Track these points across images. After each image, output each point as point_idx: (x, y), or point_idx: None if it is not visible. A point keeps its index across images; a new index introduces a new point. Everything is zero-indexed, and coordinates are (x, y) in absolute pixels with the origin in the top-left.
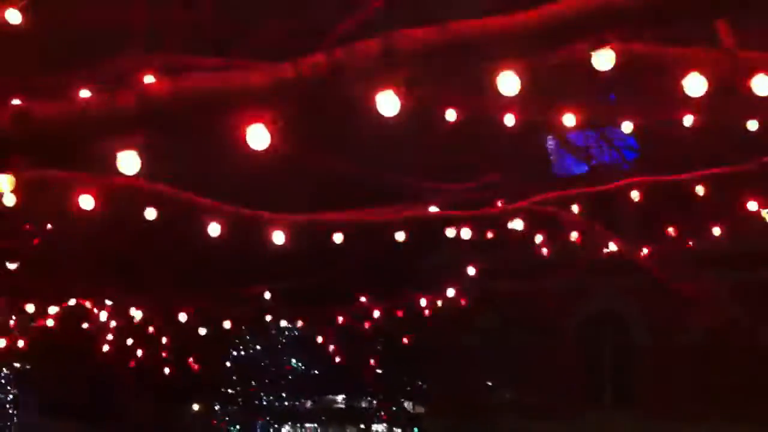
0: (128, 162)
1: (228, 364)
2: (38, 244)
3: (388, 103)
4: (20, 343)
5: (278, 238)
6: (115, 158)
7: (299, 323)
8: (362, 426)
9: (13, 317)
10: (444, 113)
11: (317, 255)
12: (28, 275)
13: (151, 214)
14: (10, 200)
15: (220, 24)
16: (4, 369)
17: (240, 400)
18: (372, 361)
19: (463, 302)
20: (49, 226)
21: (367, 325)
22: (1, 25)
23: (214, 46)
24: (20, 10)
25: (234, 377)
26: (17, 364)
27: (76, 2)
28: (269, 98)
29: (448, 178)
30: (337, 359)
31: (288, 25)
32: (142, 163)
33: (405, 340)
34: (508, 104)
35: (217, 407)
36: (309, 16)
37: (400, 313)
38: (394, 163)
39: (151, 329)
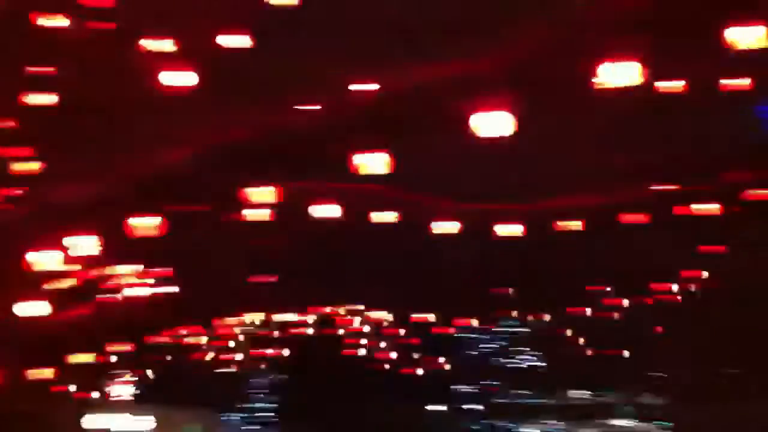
0: (378, 163)
1: (465, 362)
2: (291, 254)
3: None
4: (285, 352)
5: (515, 230)
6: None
7: (537, 317)
8: (605, 421)
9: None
10: None
11: (552, 245)
12: (286, 286)
13: (389, 217)
14: (266, 214)
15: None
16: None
17: (479, 398)
18: (615, 353)
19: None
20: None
21: (611, 315)
22: None
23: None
24: None
25: (472, 375)
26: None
27: None
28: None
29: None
30: (581, 353)
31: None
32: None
33: (657, 329)
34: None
35: (457, 406)
36: None
37: (649, 301)
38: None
39: (400, 331)
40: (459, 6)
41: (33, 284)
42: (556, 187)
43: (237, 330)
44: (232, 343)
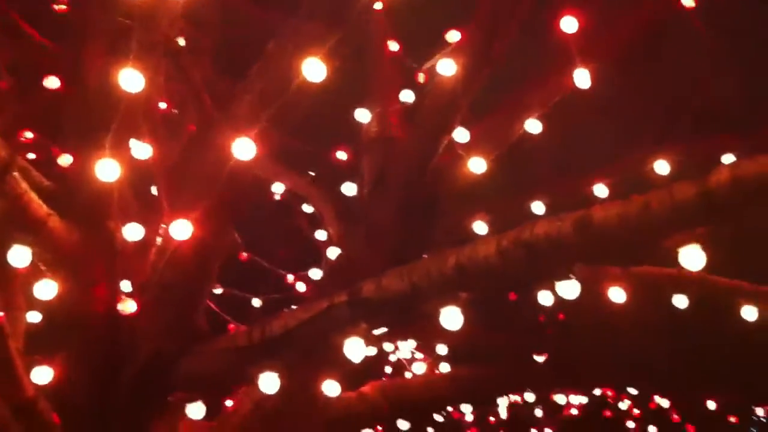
0: (693, 258)
1: None
2: (558, 335)
3: None
4: None
5: None
6: (677, 254)
7: None
8: None
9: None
10: None
11: None
12: (553, 367)
13: (681, 302)
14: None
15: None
16: None
17: None
18: None
19: None
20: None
21: None
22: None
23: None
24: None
25: None
26: None
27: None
28: None
29: None
30: None
31: None
32: None
33: None
34: None
35: None
36: None
37: None
38: None
39: (675, 417)
40: None
41: None
42: None
43: None
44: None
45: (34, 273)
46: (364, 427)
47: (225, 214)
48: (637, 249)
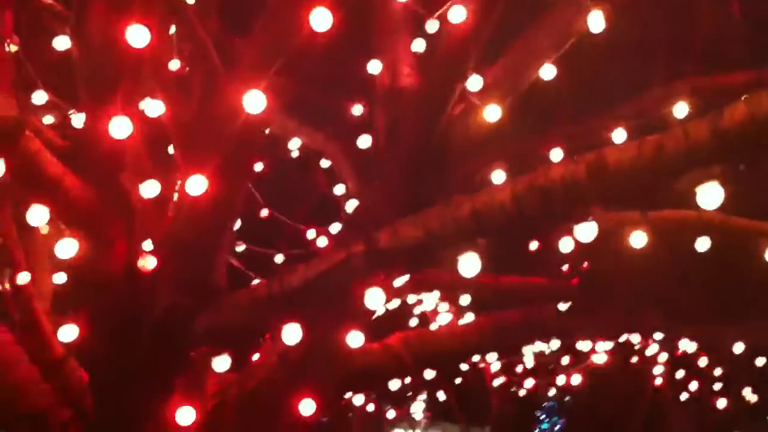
0: (711, 196)
1: None
2: (581, 282)
3: None
4: (576, 380)
5: None
6: (695, 195)
7: None
8: None
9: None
10: None
11: None
12: (576, 315)
13: (703, 245)
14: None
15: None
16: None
17: None
18: None
19: None
20: (586, 264)
21: None
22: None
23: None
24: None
25: None
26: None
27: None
28: None
29: None
30: None
31: None
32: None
33: None
34: None
35: None
36: None
37: None
38: None
39: (701, 361)
40: None
41: None
42: None
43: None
44: (519, 368)
45: (58, 233)
46: (388, 378)
47: (240, 168)
48: (653, 189)
